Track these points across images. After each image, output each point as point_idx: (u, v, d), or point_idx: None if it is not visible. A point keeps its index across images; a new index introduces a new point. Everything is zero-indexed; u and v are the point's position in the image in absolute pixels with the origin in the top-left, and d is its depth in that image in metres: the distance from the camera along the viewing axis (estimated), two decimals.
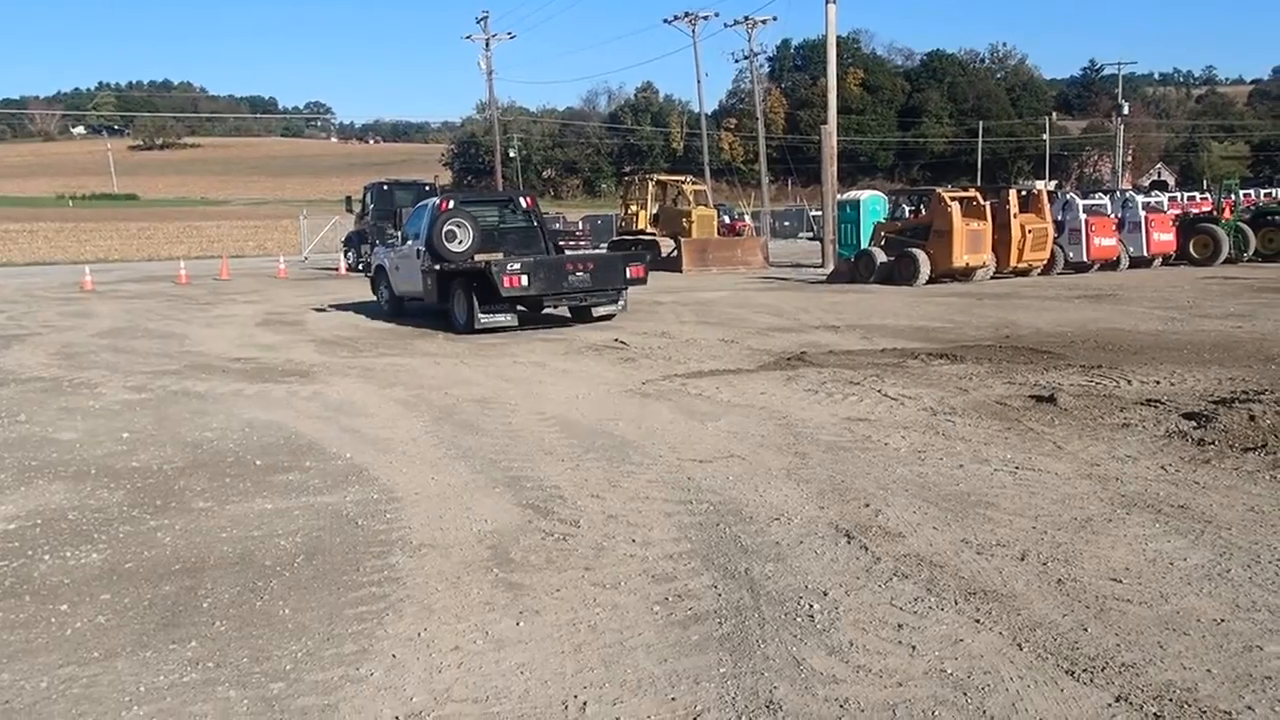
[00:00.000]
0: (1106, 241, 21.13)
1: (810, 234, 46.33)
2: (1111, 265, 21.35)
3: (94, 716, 3.13)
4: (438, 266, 13.65)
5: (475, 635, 3.64)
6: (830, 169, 24.92)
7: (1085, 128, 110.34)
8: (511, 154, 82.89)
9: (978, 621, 3.61)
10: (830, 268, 22.91)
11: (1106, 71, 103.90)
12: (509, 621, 3.76)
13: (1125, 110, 64.45)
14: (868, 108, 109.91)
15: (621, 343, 11.61)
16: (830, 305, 15.62)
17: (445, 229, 13.77)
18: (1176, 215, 24.14)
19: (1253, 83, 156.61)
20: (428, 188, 28.84)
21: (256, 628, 3.77)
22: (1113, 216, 22.13)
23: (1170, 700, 3.01)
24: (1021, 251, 19.44)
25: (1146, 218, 22.20)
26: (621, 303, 13.87)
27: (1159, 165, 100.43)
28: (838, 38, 26.34)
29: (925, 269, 18.60)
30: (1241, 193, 26.08)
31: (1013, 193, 20.12)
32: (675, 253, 25.90)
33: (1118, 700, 3.02)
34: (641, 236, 27.71)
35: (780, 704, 3.06)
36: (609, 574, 4.21)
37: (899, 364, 9.43)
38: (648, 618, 3.75)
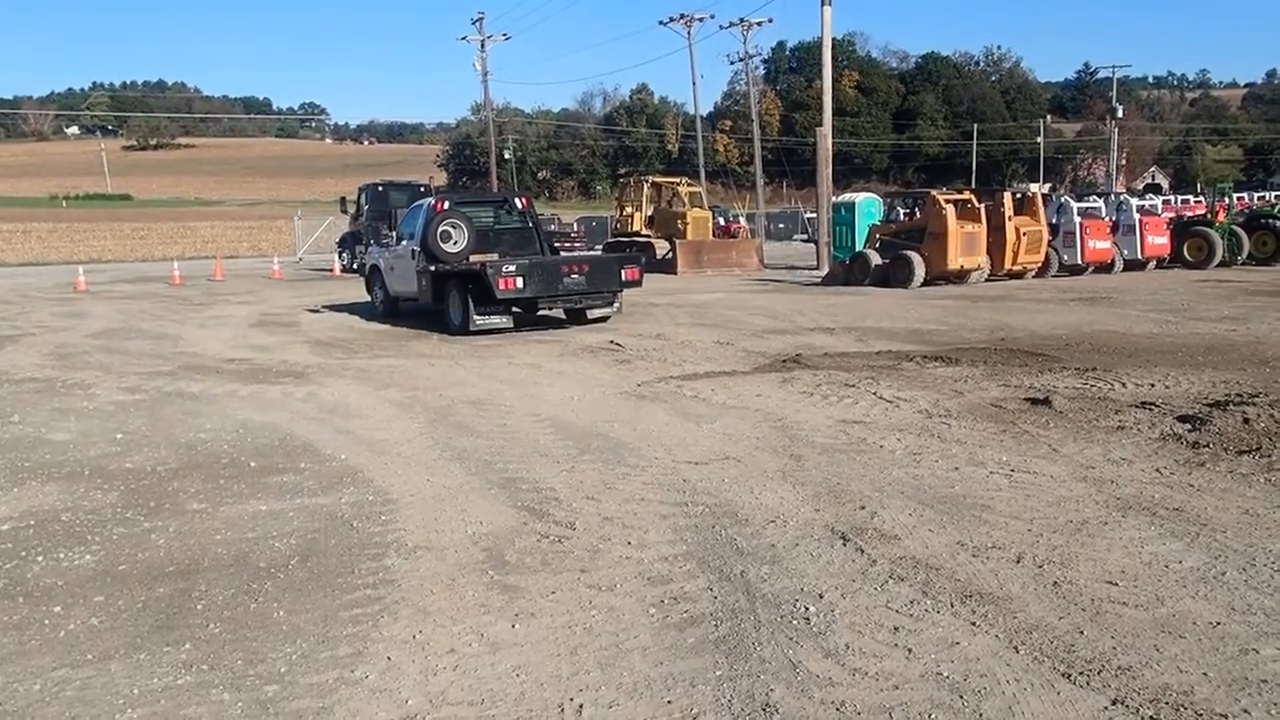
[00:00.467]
0: (1101, 244, 21.19)
1: (805, 236, 46.41)
2: (1106, 268, 21.40)
3: (88, 719, 3.11)
4: (433, 267, 13.63)
5: (471, 638, 3.63)
6: (825, 171, 24.95)
7: (1079, 131, 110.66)
8: (507, 155, 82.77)
9: (974, 624, 3.61)
10: (825, 270, 22.93)
11: (1101, 74, 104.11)
12: (504, 624, 3.75)
13: (1119, 113, 64.58)
14: (863, 110, 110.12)
15: (617, 344, 11.60)
16: (825, 307, 15.63)
17: (440, 230, 13.76)
18: (1170, 218, 24.23)
19: (1246, 86, 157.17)
20: (423, 189, 28.85)
21: (251, 630, 3.75)
22: (1107, 219, 22.21)
23: (1167, 703, 3.01)
24: (1016, 254, 19.47)
25: (1141, 221, 22.28)
26: (617, 305, 13.87)
27: (1153, 168, 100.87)
28: (833, 40, 26.39)
29: (920, 271, 18.62)
30: (1234, 196, 26.17)
31: (1007, 195, 20.13)
32: (670, 255, 25.91)
33: (1114, 703, 3.02)
34: (636, 238, 27.70)
35: (776, 707, 3.05)
36: (604, 576, 4.20)
37: (894, 366, 9.43)
38: (643, 620, 3.74)
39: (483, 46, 48.08)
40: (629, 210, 29.04)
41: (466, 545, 4.64)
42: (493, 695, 3.19)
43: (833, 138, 26.07)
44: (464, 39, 48.37)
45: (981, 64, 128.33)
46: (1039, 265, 20.15)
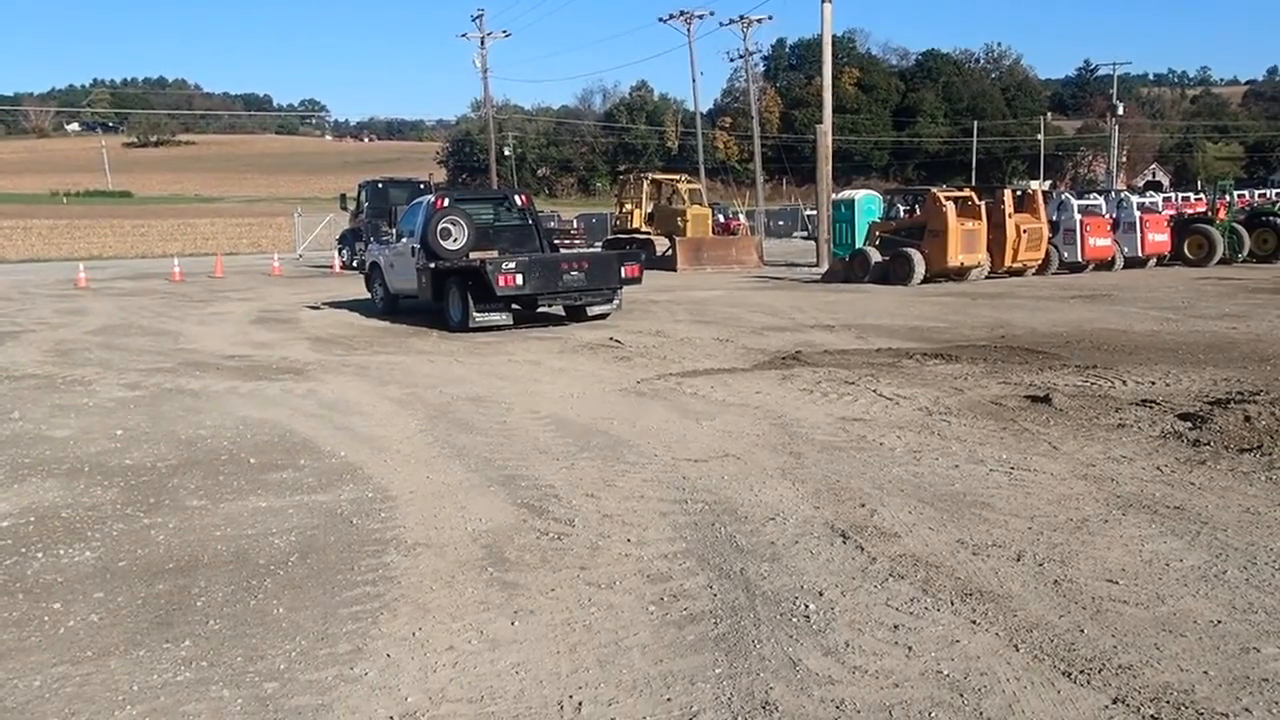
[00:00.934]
0: (1101, 242, 21.17)
1: (805, 233, 46.37)
2: (1106, 265, 21.38)
3: (87, 716, 3.11)
4: (433, 264, 13.62)
5: (470, 635, 3.63)
6: (825, 168, 24.92)
7: (1080, 128, 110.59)
8: (506, 152, 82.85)
9: (974, 622, 3.61)
10: (825, 267, 22.90)
11: (1101, 72, 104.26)
12: (504, 621, 3.74)
13: (1120, 110, 64.46)
14: (863, 107, 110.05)
15: (616, 341, 11.60)
16: (825, 305, 15.62)
17: (440, 227, 13.76)
18: (1171, 216, 24.20)
19: (1247, 84, 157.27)
20: (422, 185, 28.78)
21: (250, 627, 3.75)
22: (1107, 217, 22.18)
23: (1167, 702, 3.00)
24: (1016, 251, 19.45)
25: (1141, 218, 22.25)
26: (616, 302, 13.86)
27: (1154, 166, 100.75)
28: (833, 37, 26.35)
29: (920, 269, 18.60)
30: (1235, 193, 26.15)
31: (1008, 193, 20.11)
32: (670, 252, 25.88)
33: (1115, 702, 3.02)
34: (636, 235, 27.66)
35: (776, 704, 3.05)
36: (604, 573, 4.20)
37: (894, 364, 9.43)
38: (643, 618, 3.74)
39: (483, 43, 48.08)
40: (629, 207, 29.01)
41: (466, 542, 4.64)
42: (492, 692, 3.19)
43: (833, 135, 26.03)
44: (464, 36, 48.45)
45: (982, 61, 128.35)
46: (1039, 262, 20.12)
